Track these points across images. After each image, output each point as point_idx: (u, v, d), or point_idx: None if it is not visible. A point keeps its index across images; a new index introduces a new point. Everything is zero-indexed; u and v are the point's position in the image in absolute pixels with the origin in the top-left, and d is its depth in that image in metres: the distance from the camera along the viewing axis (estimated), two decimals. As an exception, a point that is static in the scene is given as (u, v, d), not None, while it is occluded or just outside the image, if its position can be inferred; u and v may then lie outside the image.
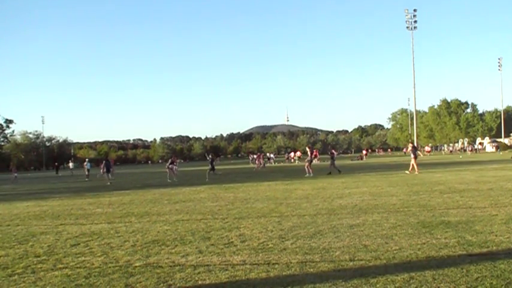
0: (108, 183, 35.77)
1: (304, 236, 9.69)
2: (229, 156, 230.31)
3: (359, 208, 13.77)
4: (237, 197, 19.12)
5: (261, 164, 56.01)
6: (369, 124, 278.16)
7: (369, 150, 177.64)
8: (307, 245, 8.71)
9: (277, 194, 19.93)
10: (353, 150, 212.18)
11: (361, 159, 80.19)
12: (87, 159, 55.08)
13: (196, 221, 12.71)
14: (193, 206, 16.63)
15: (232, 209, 15.01)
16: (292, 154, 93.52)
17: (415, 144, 35.12)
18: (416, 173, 30.68)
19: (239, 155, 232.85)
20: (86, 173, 49.81)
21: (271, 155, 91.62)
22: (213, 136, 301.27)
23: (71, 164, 73.66)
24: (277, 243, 9.02)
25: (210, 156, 39.39)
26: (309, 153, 36.40)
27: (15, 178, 54.58)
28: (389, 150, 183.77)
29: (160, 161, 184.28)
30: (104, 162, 40.35)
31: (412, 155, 32.69)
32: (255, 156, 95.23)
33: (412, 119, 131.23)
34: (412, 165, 31.88)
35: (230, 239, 9.77)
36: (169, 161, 39.73)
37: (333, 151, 40.07)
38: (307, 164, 35.45)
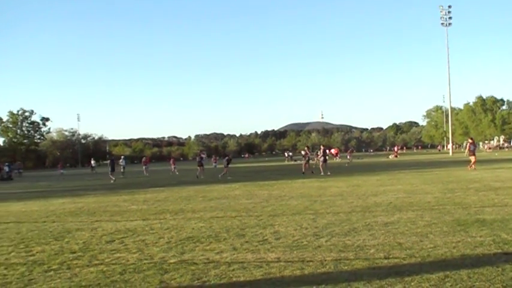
0: (112, 182, 36.57)
1: (338, 233, 9.63)
2: (263, 153, 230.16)
3: (394, 206, 13.64)
4: (271, 195, 19.13)
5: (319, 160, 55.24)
6: (403, 121, 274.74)
7: (404, 148, 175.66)
8: (342, 243, 8.66)
9: (311, 191, 19.87)
10: (387, 147, 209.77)
11: (396, 156, 79.28)
12: (122, 157, 55.66)
13: (230, 218, 12.76)
14: (228, 203, 16.71)
15: (266, 206, 15.03)
16: (327, 151, 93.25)
17: (469, 141, 34.58)
18: (473, 168, 30.38)
19: (273, 152, 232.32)
20: (122, 170, 50.34)
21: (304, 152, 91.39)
22: (247, 133, 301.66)
23: (93, 162, 73.75)
24: (312, 241, 8.99)
25: (228, 157, 39.62)
26: (320, 152, 36.52)
27: (62, 174, 55.52)
28: (419, 147, 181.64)
29: (191, 158, 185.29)
30: (110, 160, 41.13)
31: (469, 152, 32.28)
32: (290, 153, 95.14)
33: (447, 116, 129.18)
34: (473, 161, 31.40)
35: (264, 236, 9.77)
36: (226, 158, 39.58)
37: (325, 149, 39.79)
38: (321, 163, 35.99)
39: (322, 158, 36.15)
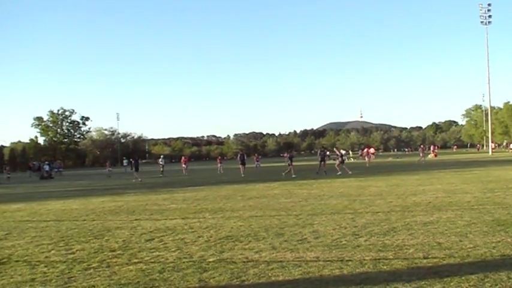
0: (134, 181, 37.34)
1: (377, 233, 9.57)
2: (302, 152, 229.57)
3: (433, 205, 13.48)
4: (310, 194, 19.10)
5: (423, 156, 54.48)
6: (443, 120, 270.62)
7: (436, 147, 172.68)
8: (381, 242, 8.60)
9: (350, 190, 19.77)
10: (427, 147, 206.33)
11: (435, 156, 77.93)
12: (162, 156, 56.27)
13: (269, 217, 12.79)
14: (267, 202, 16.74)
15: (305, 206, 15.01)
16: (365, 150, 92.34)
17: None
18: None
19: (312, 151, 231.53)
20: (161, 169, 50.83)
21: (343, 152, 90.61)
22: (287, 132, 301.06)
23: (125, 162, 72.90)
24: (351, 240, 8.95)
25: (291, 154, 39.77)
26: (337, 153, 36.81)
27: (110, 172, 56.24)
28: (455, 147, 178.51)
29: (233, 157, 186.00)
30: (131, 160, 41.53)
31: None
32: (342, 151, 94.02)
33: (486, 115, 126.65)
34: None
35: (304, 235, 9.77)
36: (256, 156, 40.21)
37: (325, 151, 40.08)
38: (337, 163, 36.34)
39: (339, 158, 36.47)
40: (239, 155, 45.17)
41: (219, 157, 64.16)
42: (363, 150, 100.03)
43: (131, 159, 43.77)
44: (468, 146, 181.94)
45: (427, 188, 19.00)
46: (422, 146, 61.04)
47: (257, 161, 56.74)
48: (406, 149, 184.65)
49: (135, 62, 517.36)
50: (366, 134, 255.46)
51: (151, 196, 22.15)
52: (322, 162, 36.25)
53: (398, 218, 11.28)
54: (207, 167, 77.73)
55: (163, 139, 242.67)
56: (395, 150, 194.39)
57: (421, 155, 55.52)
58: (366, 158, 55.45)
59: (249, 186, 25.60)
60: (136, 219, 13.70)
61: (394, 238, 8.94)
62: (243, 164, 41.32)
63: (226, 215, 13.77)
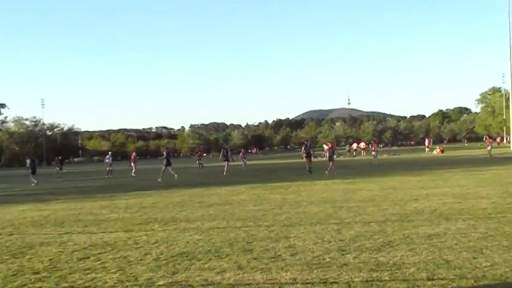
0: (33, 185, 37.60)
1: (369, 248, 9.62)
2: (275, 148, 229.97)
3: (439, 213, 13.61)
4: (285, 199, 19.14)
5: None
6: (451, 107, 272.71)
7: (445, 141, 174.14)
8: (374, 260, 8.64)
9: (336, 195, 19.87)
10: (431, 140, 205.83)
11: (441, 151, 78.77)
12: (109, 153, 55.79)
13: (235, 228, 12.77)
14: (232, 210, 16.73)
15: (279, 214, 15.03)
16: (354, 145, 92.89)
17: None
18: None
19: (288, 147, 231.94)
20: (107, 168, 50.39)
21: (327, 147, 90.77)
22: (256, 123, 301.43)
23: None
24: (336, 257, 8.98)
25: (165, 153, 40.23)
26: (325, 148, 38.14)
27: (58, 173, 55.17)
28: (465, 140, 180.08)
29: (189, 155, 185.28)
30: (30, 160, 41.50)
31: None
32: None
33: (507, 100, 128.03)
34: None
35: (277, 251, 9.77)
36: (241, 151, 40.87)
37: (307, 143, 41.39)
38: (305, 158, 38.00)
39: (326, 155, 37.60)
40: (222, 151, 45.94)
41: (198, 151, 63.83)
42: (350, 145, 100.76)
43: (33, 159, 43.48)
44: (485, 139, 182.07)
45: (431, 192, 19.18)
46: (429, 140, 61.64)
47: (244, 158, 55.95)
48: (412, 143, 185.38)
49: (64, 35, 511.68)
50: (354, 125, 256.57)
51: (85, 203, 21.91)
52: (308, 159, 36.74)
53: (395, 230, 11.36)
54: (157, 166, 77.21)
55: (101, 131, 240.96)
56: (393, 144, 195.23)
57: (426, 150, 56.08)
58: (373, 153, 55.42)
59: (209, 190, 25.55)
60: (66, 233, 13.53)
61: (390, 254, 8.99)
62: (227, 160, 41.92)
63: (180, 226, 13.71)
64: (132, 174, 47.08)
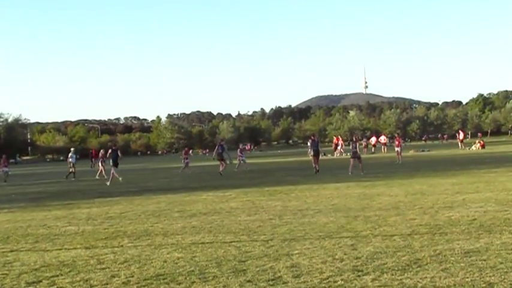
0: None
1: (392, 267, 9.63)
2: (274, 143, 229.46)
3: (479, 224, 13.63)
4: (287, 207, 19.19)
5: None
6: (494, 91, 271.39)
7: (479, 134, 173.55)
8: (398, 282, 8.65)
9: (349, 202, 19.93)
10: (469, 132, 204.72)
11: (482, 147, 78.79)
12: (72, 150, 55.36)
13: (224, 244, 12.79)
14: (220, 221, 16.76)
15: (279, 226, 15.06)
16: (373, 140, 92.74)
17: None
18: None
19: (290, 142, 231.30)
20: (70, 169, 50.01)
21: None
22: (249, 112, 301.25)
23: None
24: (351, 279, 8.99)
25: (113, 148, 40.62)
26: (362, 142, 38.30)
27: (5, 174, 54.92)
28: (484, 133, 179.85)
29: (166, 152, 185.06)
30: (3, 156, 41.57)
31: None
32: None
33: None
34: None
35: (277, 272, 9.78)
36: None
37: (314, 138, 42.17)
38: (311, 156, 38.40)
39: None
40: (217, 147, 45.73)
41: (185, 148, 63.33)
42: (368, 139, 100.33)
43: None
44: None
45: (469, 198, 19.23)
46: (463, 133, 61.44)
47: (241, 156, 55.71)
48: (445, 136, 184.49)
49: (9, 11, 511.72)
50: (373, 113, 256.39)
51: (36, 213, 21.88)
52: (315, 158, 36.86)
53: (424, 245, 11.37)
54: (127, 167, 77.28)
55: (55, 123, 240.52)
56: (421, 138, 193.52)
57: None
58: (396, 149, 55.15)
59: (191, 196, 25.58)
60: (12, 251, 13.52)
61: (418, 276, 9.00)
62: (222, 159, 42.03)
63: (155, 241, 13.72)
64: (97, 177, 46.98)
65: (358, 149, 38.69)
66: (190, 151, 68.00)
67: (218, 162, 43.83)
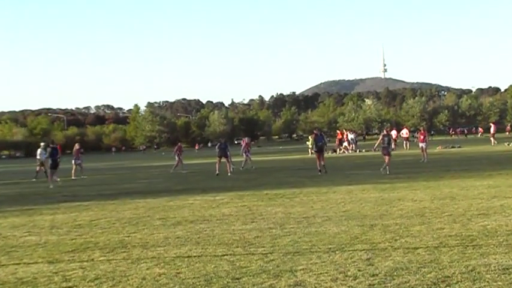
0: None
1: (416, 286, 9.65)
2: (275, 137, 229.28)
3: (521, 235, 13.63)
4: (290, 214, 19.23)
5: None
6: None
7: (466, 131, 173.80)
8: (423, 305, 8.66)
9: (365, 208, 19.97)
10: (509, 124, 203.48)
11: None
12: (42, 144, 55.06)
13: (214, 258, 12.81)
14: (210, 230, 16.79)
15: (281, 237, 15.09)
16: (393, 133, 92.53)
17: None
18: None
19: (294, 136, 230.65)
20: (38, 167, 49.70)
21: (352, 136, 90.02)
22: (245, 101, 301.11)
23: None
24: (366, 301, 9.00)
25: (50, 146, 40.93)
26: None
27: None
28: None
29: (144, 148, 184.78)
30: None
31: None
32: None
33: None
34: None
35: (277, 292, 9.79)
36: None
37: (317, 132, 42.69)
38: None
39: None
40: (218, 144, 45.81)
41: (179, 143, 62.53)
42: (388, 132, 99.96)
43: None
44: None
45: (508, 204, 19.24)
46: (495, 126, 61.52)
47: (246, 152, 55.52)
48: (480, 129, 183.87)
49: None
50: (392, 102, 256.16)
51: (-12, 220, 21.92)
52: (319, 155, 37.04)
53: (454, 259, 11.39)
54: (99, 165, 77.33)
55: (12, 113, 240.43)
56: (456, 131, 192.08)
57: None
58: (421, 145, 54.93)
59: (176, 200, 25.63)
60: (-40, 265, 13.52)
61: (447, 296, 9.01)
62: (226, 156, 42.02)
63: (133, 254, 13.75)
64: (73, 178, 46.97)
65: (391, 143, 38.83)
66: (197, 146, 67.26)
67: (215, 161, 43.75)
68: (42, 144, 55.35)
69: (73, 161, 50.35)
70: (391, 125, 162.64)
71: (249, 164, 49.59)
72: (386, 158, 36.51)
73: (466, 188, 24.53)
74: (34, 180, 46.73)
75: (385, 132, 41.80)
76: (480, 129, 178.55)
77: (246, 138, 58.77)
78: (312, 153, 46.32)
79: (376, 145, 40.16)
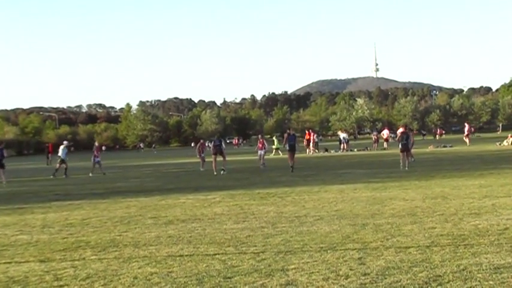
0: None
1: (407, 285, 9.67)
2: (268, 136, 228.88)
3: (512, 235, 13.67)
4: (281, 213, 19.23)
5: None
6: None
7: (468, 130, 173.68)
8: (414, 304, 8.66)
9: (357, 207, 19.98)
10: (500, 124, 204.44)
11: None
12: (65, 143, 54.73)
13: (206, 257, 12.81)
14: (202, 229, 16.79)
15: (273, 236, 15.09)
16: (385, 132, 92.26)
17: None
18: None
19: (287, 134, 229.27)
20: (57, 165, 49.22)
21: (344, 135, 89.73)
22: (237, 100, 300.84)
23: None
24: (358, 300, 9.00)
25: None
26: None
27: None
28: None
29: (138, 146, 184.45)
30: None
31: None
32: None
33: None
34: None
35: (269, 291, 9.78)
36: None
37: (290, 131, 44.09)
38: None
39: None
40: (214, 141, 45.79)
41: (201, 140, 61.88)
42: (379, 132, 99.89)
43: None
44: None
45: (500, 203, 19.25)
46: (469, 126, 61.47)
47: (262, 149, 55.35)
48: (472, 128, 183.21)
49: None
50: (384, 101, 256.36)
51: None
52: (291, 154, 38.98)
53: (446, 259, 11.40)
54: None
55: (4, 111, 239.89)
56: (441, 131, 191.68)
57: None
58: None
59: (167, 199, 25.61)
60: None
61: (438, 296, 9.01)
62: (221, 153, 42.07)
63: (124, 253, 13.73)
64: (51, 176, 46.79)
65: (410, 139, 39.03)
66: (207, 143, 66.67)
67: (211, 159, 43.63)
68: (65, 142, 55.28)
69: (92, 159, 50.29)
70: (383, 124, 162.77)
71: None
72: (405, 154, 36.67)
73: (457, 188, 24.55)
74: (52, 177, 46.57)
75: (402, 129, 42.10)
76: (472, 128, 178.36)
77: (260, 136, 59.85)
78: (275, 154, 46.89)
79: (397, 138, 40.93)
